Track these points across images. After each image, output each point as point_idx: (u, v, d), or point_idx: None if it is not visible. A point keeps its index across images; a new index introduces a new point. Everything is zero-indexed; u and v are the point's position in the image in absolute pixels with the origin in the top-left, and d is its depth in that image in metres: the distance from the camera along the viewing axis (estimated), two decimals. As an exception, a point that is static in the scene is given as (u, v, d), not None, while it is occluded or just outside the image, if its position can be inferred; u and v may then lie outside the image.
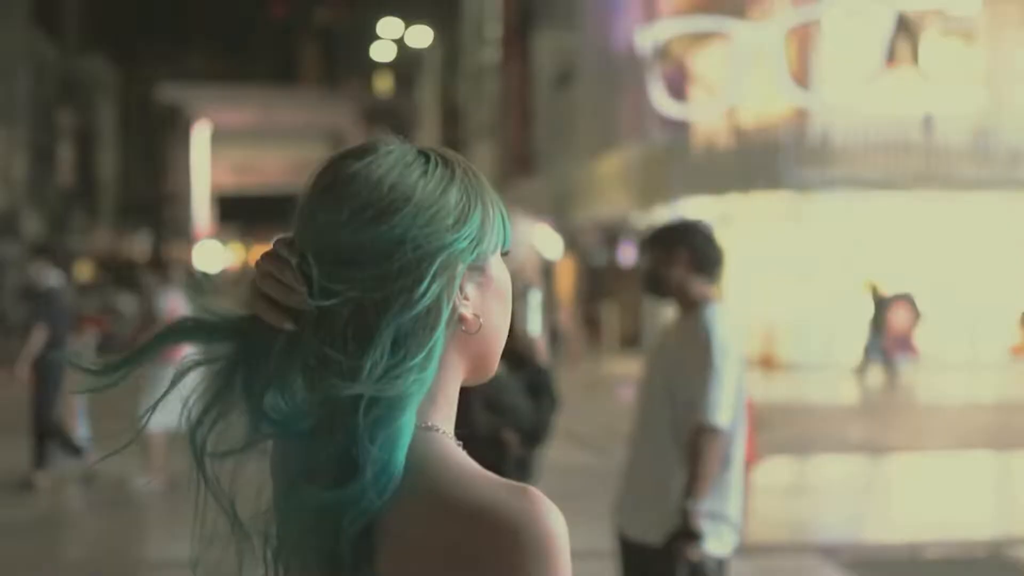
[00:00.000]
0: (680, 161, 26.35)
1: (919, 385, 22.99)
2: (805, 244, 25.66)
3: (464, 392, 1.53)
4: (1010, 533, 10.26)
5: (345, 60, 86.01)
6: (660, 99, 27.41)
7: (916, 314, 25.60)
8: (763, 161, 24.64)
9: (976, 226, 25.69)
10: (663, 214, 28.88)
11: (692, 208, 27.44)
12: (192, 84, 71.70)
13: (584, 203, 34.19)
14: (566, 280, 38.01)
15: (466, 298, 1.46)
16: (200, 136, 72.92)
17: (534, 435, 4.72)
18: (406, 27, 48.63)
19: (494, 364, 1.53)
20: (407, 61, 59.32)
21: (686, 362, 4.62)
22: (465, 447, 1.44)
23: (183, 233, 68.01)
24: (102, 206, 62.18)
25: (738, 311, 26.60)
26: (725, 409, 4.47)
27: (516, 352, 4.80)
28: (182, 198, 71.46)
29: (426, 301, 1.41)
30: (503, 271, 1.51)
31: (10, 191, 45.53)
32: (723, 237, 19.83)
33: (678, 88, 28.69)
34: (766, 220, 26.44)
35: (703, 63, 29.22)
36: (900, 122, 24.79)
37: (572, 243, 36.67)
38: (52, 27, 53.38)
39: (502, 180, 47.12)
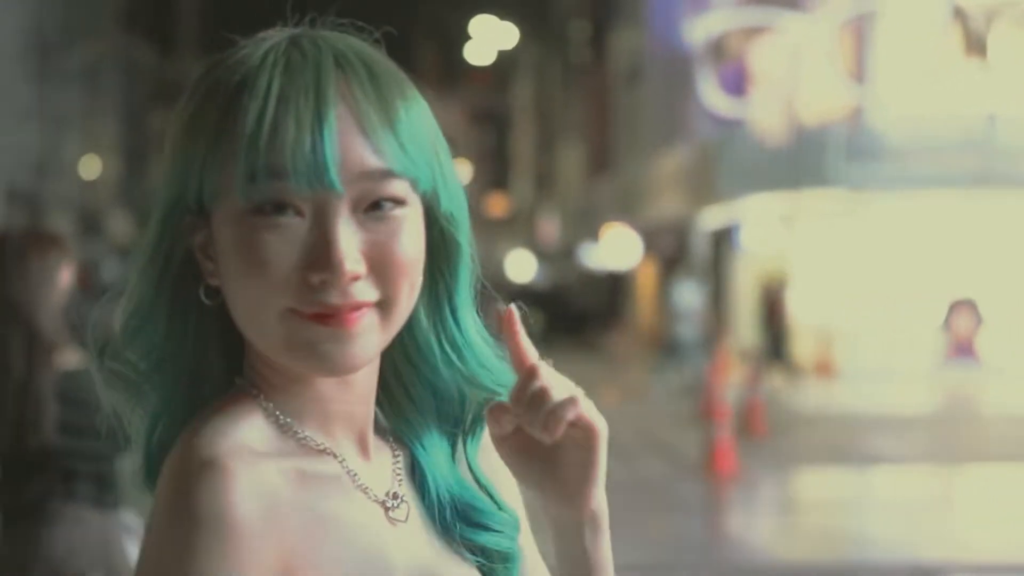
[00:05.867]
0: (730, 159, 25.54)
1: (980, 394, 21.93)
2: (861, 245, 24.74)
3: None
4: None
5: (460, 61, 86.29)
6: (711, 95, 26.66)
7: (978, 319, 24.57)
8: (813, 158, 23.79)
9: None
10: (717, 214, 28.15)
11: (748, 208, 26.67)
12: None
13: (651, 203, 33.63)
14: (647, 283, 37.35)
15: None
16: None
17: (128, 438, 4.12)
18: (495, 26, 48.29)
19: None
20: (504, 61, 59.12)
21: None
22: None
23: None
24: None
25: (796, 315, 25.83)
26: None
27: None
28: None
29: None
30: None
31: (96, 191, 46.07)
32: (781, 237, 19.11)
33: (737, 84, 27.94)
34: (819, 219, 25.58)
35: (757, 57, 28.45)
36: (960, 119, 23.78)
37: (650, 244, 36.01)
38: (152, 31, 54.05)
39: (588, 180, 46.76)
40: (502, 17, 48.05)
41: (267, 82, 1.17)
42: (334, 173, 1.15)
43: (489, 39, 49.48)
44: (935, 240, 24.57)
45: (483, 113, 67.90)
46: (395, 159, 1.18)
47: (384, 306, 1.20)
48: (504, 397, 1.25)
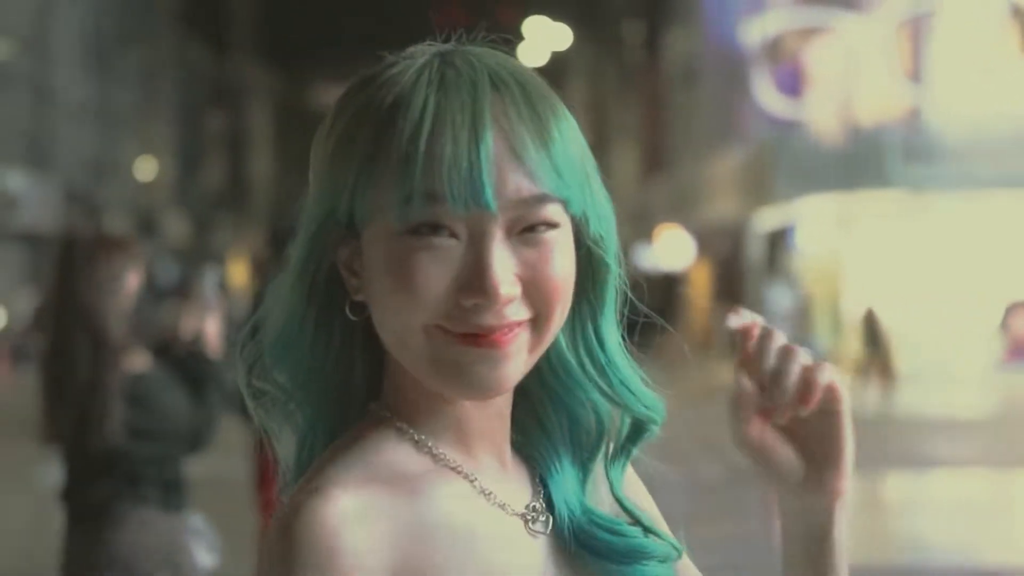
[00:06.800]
0: (786, 160, 25.41)
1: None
2: (918, 246, 24.57)
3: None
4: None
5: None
6: (767, 96, 26.54)
7: (1036, 321, 24.36)
8: (870, 159, 23.65)
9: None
10: (773, 216, 28.00)
11: (804, 209, 26.52)
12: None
13: (705, 204, 33.50)
14: (701, 285, 37.18)
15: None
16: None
17: (195, 440, 4.16)
18: (549, 27, 48.14)
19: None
20: (558, 62, 58.97)
21: None
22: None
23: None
24: (255, 208, 63.02)
25: (854, 317, 25.64)
26: None
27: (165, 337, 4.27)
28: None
29: None
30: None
31: (151, 192, 46.38)
32: (837, 239, 18.80)
33: (793, 85, 27.80)
34: (876, 220, 25.41)
35: (813, 58, 28.32)
36: (1018, 118, 23.57)
37: (704, 245, 35.86)
38: (208, 32, 54.35)
39: (642, 181, 46.63)
40: (555, 18, 47.97)
41: (423, 101, 1.15)
42: (490, 196, 1.14)
43: (542, 40, 49.38)
44: (993, 241, 24.37)
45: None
46: (549, 182, 1.16)
47: (537, 324, 1.18)
48: (653, 420, 1.27)
